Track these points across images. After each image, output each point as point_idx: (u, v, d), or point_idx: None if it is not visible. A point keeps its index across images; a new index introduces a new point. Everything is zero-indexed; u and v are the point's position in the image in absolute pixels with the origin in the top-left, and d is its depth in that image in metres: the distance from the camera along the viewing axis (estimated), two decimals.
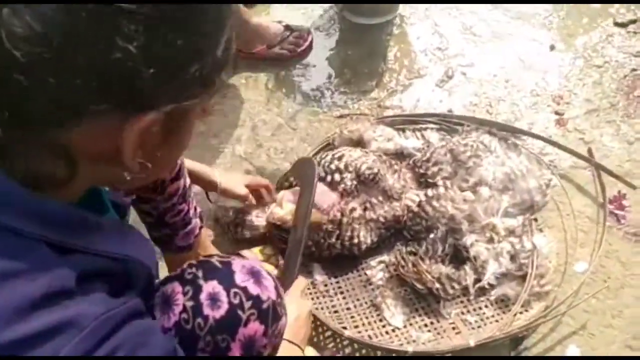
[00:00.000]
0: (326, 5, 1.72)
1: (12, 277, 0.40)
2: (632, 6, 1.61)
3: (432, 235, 1.17)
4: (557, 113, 1.42)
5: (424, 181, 1.27)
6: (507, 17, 1.65)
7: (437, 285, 1.11)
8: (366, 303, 1.14)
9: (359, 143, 1.34)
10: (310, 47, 1.61)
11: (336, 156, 1.21)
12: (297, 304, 0.91)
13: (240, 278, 0.59)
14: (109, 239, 0.51)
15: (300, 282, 0.98)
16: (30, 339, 0.39)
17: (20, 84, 0.38)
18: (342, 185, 1.17)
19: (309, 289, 1.15)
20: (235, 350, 0.57)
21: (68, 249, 0.45)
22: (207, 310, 0.56)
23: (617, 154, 1.33)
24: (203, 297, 0.57)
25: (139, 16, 0.38)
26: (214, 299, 0.57)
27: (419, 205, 1.19)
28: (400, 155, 1.34)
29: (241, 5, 1.49)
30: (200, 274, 0.59)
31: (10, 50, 0.36)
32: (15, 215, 0.43)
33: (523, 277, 1.13)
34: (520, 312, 1.10)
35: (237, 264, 0.61)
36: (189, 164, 1.09)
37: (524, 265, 1.14)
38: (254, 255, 1.17)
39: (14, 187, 0.43)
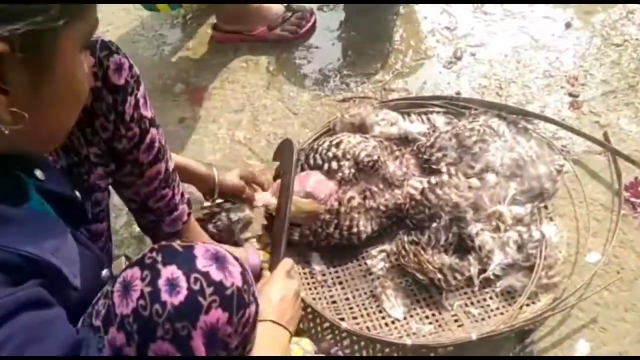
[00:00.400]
0: None
1: None
2: None
3: (435, 224, 1.12)
4: (571, 95, 1.34)
5: (427, 167, 1.21)
6: None
7: (439, 275, 1.06)
8: (365, 294, 1.10)
9: (361, 128, 1.29)
10: (313, 28, 1.56)
11: (334, 143, 1.16)
12: (282, 284, 0.89)
13: (202, 263, 0.55)
14: (14, 232, 0.48)
15: (286, 262, 0.96)
16: None
17: None
18: (340, 174, 1.13)
19: (306, 278, 1.12)
20: (197, 339, 0.53)
21: None
22: (165, 296, 0.53)
23: (634, 138, 1.25)
24: (161, 282, 0.53)
25: None
26: (172, 284, 0.53)
27: (422, 192, 1.14)
28: (404, 140, 1.29)
29: None
30: (159, 258, 0.56)
31: None
32: None
33: (530, 268, 1.08)
34: (527, 305, 1.04)
35: (199, 248, 0.57)
36: (183, 160, 1.06)
37: (531, 256, 1.08)
38: (249, 244, 1.14)
39: None
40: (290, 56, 1.54)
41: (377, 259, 1.15)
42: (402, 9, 1.58)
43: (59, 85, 0.50)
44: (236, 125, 1.40)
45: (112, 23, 1.67)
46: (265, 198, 1.10)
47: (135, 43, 1.61)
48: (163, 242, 0.59)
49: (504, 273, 1.08)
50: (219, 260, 0.57)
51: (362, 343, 1.04)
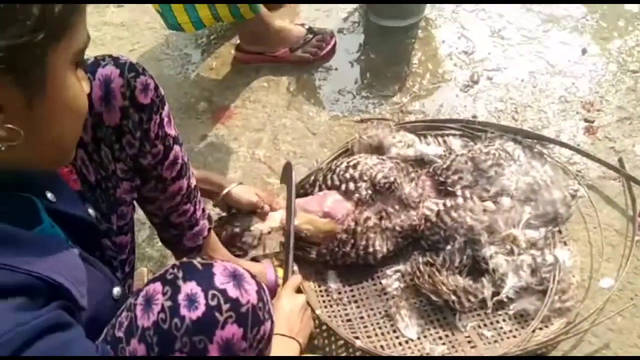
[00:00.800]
0: (350, 7, 1.70)
1: None
2: None
3: (449, 246, 1.15)
4: (586, 120, 1.36)
5: (443, 189, 1.24)
6: (537, 20, 1.60)
7: (453, 297, 1.08)
8: (380, 313, 1.13)
9: (379, 149, 1.32)
10: (333, 50, 1.60)
11: (351, 164, 1.20)
12: (289, 299, 0.96)
13: (220, 280, 0.59)
14: (27, 254, 0.50)
15: (294, 279, 1.02)
16: None
17: None
18: (357, 195, 1.16)
19: (322, 296, 1.15)
20: (213, 353, 0.56)
21: None
22: (184, 311, 0.56)
23: None
24: (181, 297, 0.57)
25: None
26: (191, 299, 0.56)
27: (437, 214, 1.17)
28: (420, 161, 1.32)
29: (263, 9, 1.49)
30: (180, 274, 0.59)
31: None
32: None
33: (544, 292, 1.09)
34: (540, 328, 1.06)
35: (218, 266, 0.61)
36: (202, 172, 1.10)
37: (545, 280, 1.10)
38: (268, 260, 1.17)
39: None
40: (311, 77, 1.58)
41: (392, 279, 1.18)
42: (420, 32, 1.62)
43: (53, 102, 0.52)
44: (257, 144, 1.45)
45: (139, 42, 1.73)
46: (277, 216, 1.14)
47: (160, 61, 1.67)
48: (184, 259, 0.62)
49: (517, 296, 1.10)
50: (236, 278, 0.60)
51: None
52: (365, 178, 1.16)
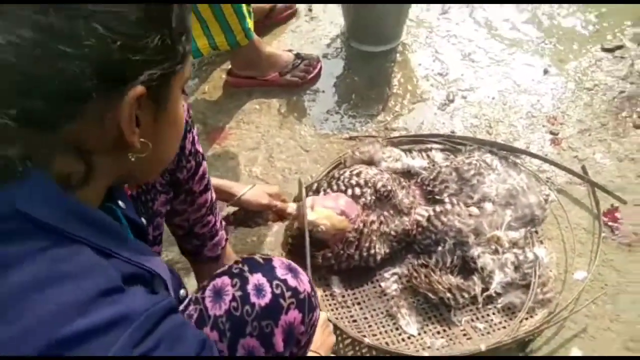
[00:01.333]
0: (333, 34, 1.83)
1: (68, 276, 0.46)
2: (618, 33, 1.73)
3: (440, 248, 1.26)
4: (552, 133, 1.53)
5: (431, 198, 1.36)
6: (502, 45, 1.77)
7: (449, 294, 1.19)
8: (382, 313, 1.22)
9: (369, 163, 1.43)
10: (319, 74, 1.72)
11: (354, 172, 1.30)
12: None
13: (280, 272, 0.68)
14: (132, 249, 0.57)
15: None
16: (90, 332, 0.44)
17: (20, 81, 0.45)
18: (363, 199, 1.26)
19: (327, 300, 1.23)
20: (278, 335, 0.65)
21: (106, 253, 0.52)
22: (253, 299, 0.64)
23: (608, 170, 1.43)
24: (250, 287, 0.65)
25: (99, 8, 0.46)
26: (259, 289, 0.65)
27: (428, 220, 1.28)
28: (407, 173, 1.44)
29: (255, 36, 1.60)
30: (246, 268, 0.68)
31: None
32: (58, 217, 0.49)
33: (527, 286, 1.22)
34: (526, 318, 1.18)
35: (276, 260, 0.70)
36: (214, 180, 1.18)
37: (527, 275, 1.22)
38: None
39: (54, 188, 0.49)
40: (300, 99, 1.69)
41: (390, 281, 1.28)
42: (398, 56, 1.76)
43: (169, 120, 0.59)
44: (253, 162, 1.53)
45: None
46: (311, 218, 1.19)
47: None
48: (245, 256, 0.71)
49: (504, 291, 1.22)
50: (292, 270, 0.69)
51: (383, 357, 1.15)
52: (370, 185, 1.27)
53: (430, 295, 1.21)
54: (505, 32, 1.78)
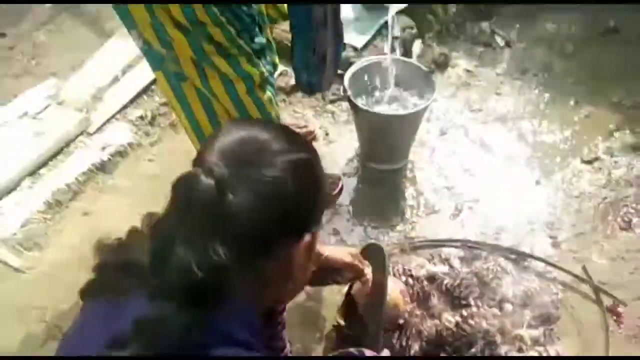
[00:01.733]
0: (350, 155, 2.08)
1: None
2: (592, 146, 2.03)
3: (474, 350, 1.41)
4: (551, 237, 1.75)
5: (457, 303, 1.53)
6: (496, 159, 2.05)
7: None
8: None
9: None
10: (341, 190, 1.94)
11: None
12: None
13: None
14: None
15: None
16: None
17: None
18: (411, 290, 1.42)
19: None
20: None
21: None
22: None
23: (605, 269, 1.64)
24: None
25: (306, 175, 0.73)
26: None
27: (457, 325, 1.44)
28: (431, 279, 1.62)
29: None
30: None
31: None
32: (249, 334, 0.68)
33: None
34: None
35: (368, 352, 0.89)
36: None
37: None
38: None
39: (249, 312, 0.70)
40: (325, 213, 1.88)
41: None
42: (408, 173, 2.01)
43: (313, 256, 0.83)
44: None
45: None
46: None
47: None
48: (340, 351, 0.88)
49: None
50: None
51: None
52: (419, 281, 1.43)
53: None
54: (498, 149, 2.06)
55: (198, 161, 0.74)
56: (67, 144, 2.13)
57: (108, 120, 2.22)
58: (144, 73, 2.25)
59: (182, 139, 1.77)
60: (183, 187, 0.69)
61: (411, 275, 1.47)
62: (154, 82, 2.27)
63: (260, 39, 1.38)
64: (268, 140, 0.74)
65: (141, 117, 2.23)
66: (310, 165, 0.78)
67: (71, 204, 1.97)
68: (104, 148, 2.11)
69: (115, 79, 2.35)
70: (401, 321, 1.40)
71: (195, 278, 0.64)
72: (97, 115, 2.23)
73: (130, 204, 1.90)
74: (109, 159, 2.11)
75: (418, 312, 1.45)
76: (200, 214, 0.67)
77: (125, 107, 2.27)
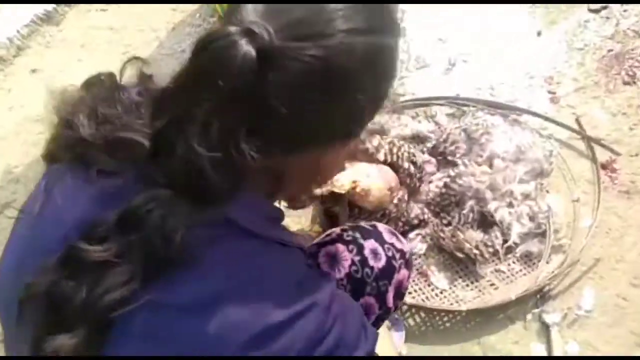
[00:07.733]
0: None
1: (268, 271, 0.52)
2: None
3: (461, 209, 1.34)
4: (550, 92, 1.62)
5: (442, 159, 1.44)
6: (494, 7, 1.83)
7: (475, 250, 1.28)
8: (413, 272, 1.30)
9: (381, 132, 1.49)
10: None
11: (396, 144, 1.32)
12: None
13: (387, 237, 0.75)
14: (287, 232, 0.64)
15: None
16: (294, 317, 0.50)
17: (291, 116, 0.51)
18: (402, 175, 1.30)
19: None
20: (390, 292, 0.73)
21: (284, 244, 0.57)
22: (372, 262, 0.72)
23: (604, 124, 1.54)
24: (367, 252, 0.73)
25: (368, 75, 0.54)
26: (375, 253, 0.73)
27: (445, 185, 1.36)
28: (416, 138, 1.51)
29: None
30: (358, 235, 0.74)
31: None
32: (258, 224, 0.54)
33: (541, 234, 1.32)
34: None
35: (381, 226, 0.78)
36: None
37: (542, 224, 1.33)
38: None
39: (259, 200, 0.57)
40: None
41: (415, 241, 1.35)
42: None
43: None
44: None
45: (130, 44, 1.76)
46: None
47: (157, 61, 1.71)
48: (351, 224, 0.77)
49: (521, 241, 1.32)
50: (394, 234, 0.76)
51: (422, 314, 1.25)
52: (412, 162, 1.31)
53: (456, 252, 1.29)
54: None
55: (233, 17, 0.51)
56: None
57: None
58: None
59: None
60: (213, 50, 0.48)
61: (414, 162, 1.33)
62: None
63: None
64: (338, 9, 0.51)
65: None
66: (390, 55, 0.57)
67: (16, 60, 1.74)
68: None
69: None
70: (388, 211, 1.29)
71: (208, 175, 0.48)
72: None
73: (82, 59, 1.68)
74: (55, 9, 1.84)
75: (406, 197, 1.34)
76: (230, 91, 0.48)
77: None
